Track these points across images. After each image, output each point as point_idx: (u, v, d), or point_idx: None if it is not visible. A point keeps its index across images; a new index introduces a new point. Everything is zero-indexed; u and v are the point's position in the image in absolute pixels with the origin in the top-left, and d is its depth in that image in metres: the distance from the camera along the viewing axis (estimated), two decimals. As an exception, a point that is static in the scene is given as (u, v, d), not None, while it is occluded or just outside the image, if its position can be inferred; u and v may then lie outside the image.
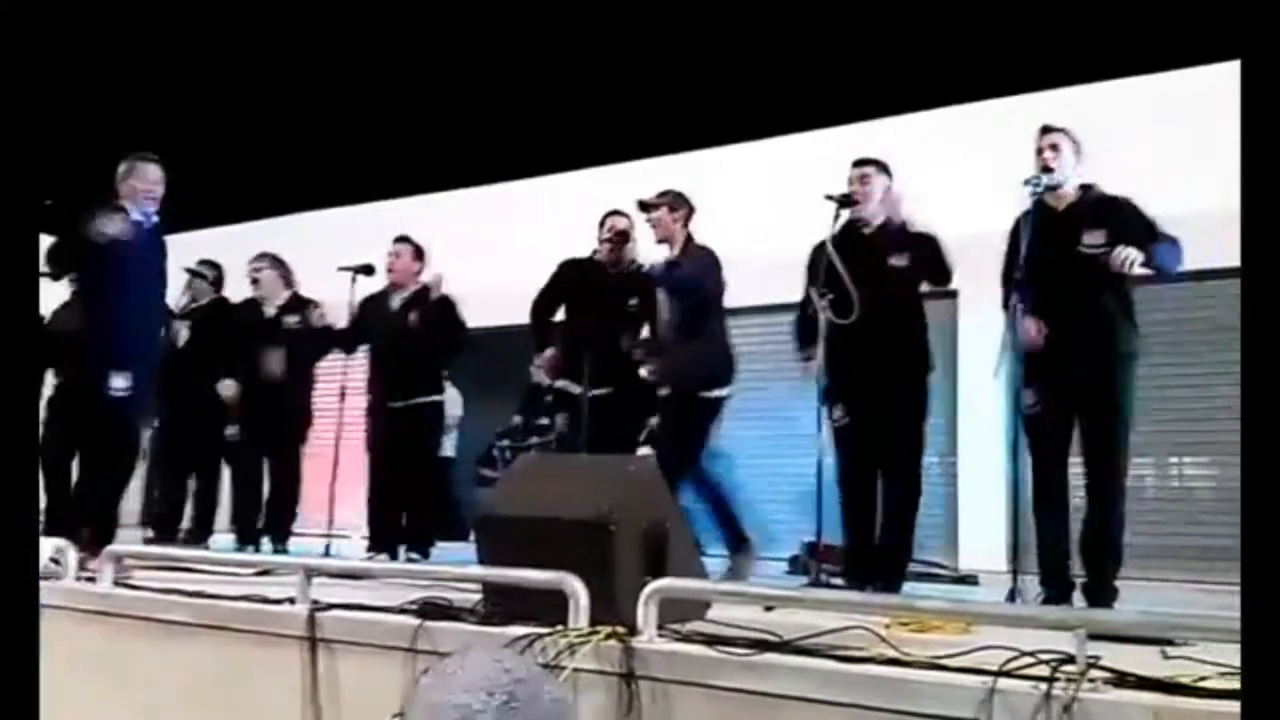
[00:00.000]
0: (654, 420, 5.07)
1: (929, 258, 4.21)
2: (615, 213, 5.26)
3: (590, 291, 5.18)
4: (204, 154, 7.35)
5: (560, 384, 5.36)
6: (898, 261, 4.21)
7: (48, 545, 4.14)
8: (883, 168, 4.39)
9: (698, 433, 4.82)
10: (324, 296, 5.78)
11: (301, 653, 3.08)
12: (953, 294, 5.30)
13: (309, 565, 3.43)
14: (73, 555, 4.01)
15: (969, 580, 5.31)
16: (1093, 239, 3.81)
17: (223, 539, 5.97)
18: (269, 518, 5.79)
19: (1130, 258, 3.67)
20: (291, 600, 3.27)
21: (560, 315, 5.37)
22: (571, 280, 5.31)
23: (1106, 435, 3.83)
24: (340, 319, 5.70)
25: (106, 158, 4.91)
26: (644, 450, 5.06)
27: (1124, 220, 3.82)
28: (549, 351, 5.26)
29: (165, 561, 4.35)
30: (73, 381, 4.78)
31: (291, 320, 5.83)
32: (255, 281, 5.96)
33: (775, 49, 6.57)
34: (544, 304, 5.34)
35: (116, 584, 3.85)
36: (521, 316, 5.42)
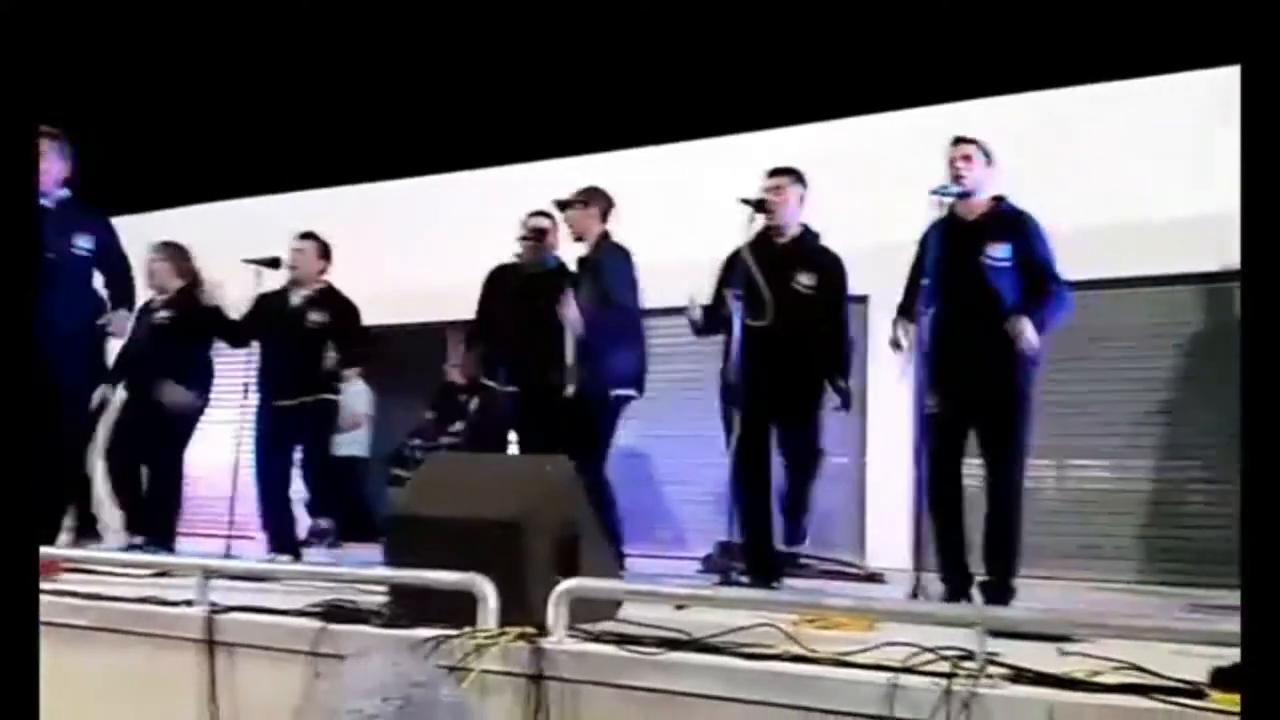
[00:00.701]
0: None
1: (832, 285, 4.31)
2: (538, 213, 5.25)
3: (508, 291, 5.15)
4: (114, 138, 7.08)
5: (480, 382, 5.34)
6: (806, 280, 4.30)
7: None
8: (797, 177, 4.46)
9: (604, 432, 4.83)
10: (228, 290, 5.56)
11: (199, 656, 2.98)
12: (863, 299, 5.40)
13: (207, 566, 3.32)
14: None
15: (876, 578, 5.40)
16: (996, 251, 3.91)
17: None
18: (149, 520, 5.53)
19: (1024, 335, 3.78)
20: (189, 603, 3.17)
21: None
22: (497, 281, 5.32)
23: (1004, 438, 3.95)
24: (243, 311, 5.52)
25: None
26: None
27: (1029, 238, 3.94)
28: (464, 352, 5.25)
29: (65, 563, 4.17)
30: None
31: (163, 315, 5.54)
32: (150, 273, 5.70)
33: (695, 52, 6.61)
34: (482, 309, 5.34)
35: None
36: (433, 314, 5.36)
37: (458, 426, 7.41)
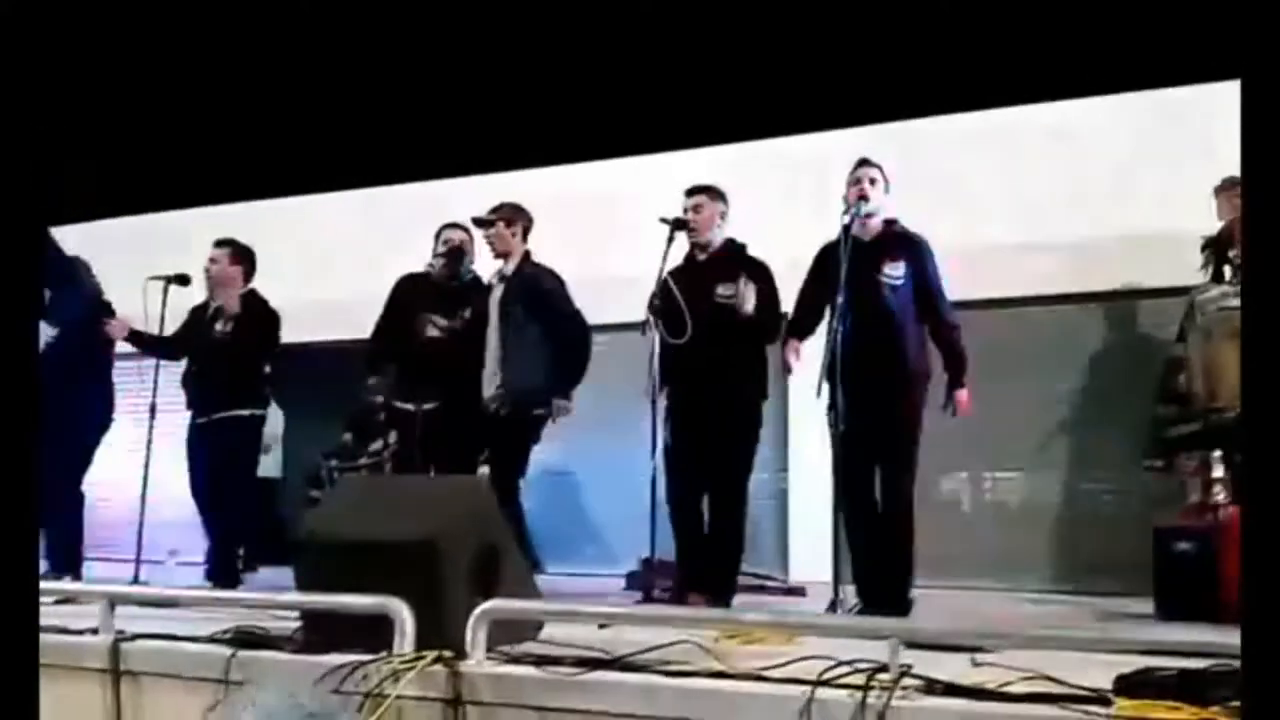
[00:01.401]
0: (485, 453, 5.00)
1: (759, 289, 4.33)
2: (451, 225, 5.19)
3: (426, 306, 5.08)
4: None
5: (395, 402, 5.24)
6: (726, 292, 4.33)
7: None
8: (717, 195, 4.52)
9: (524, 449, 4.80)
10: (133, 307, 5.37)
11: (104, 686, 2.88)
12: (782, 316, 5.49)
13: (113, 593, 3.21)
14: None
15: (797, 592, 5.46)
16: (893, 270, 4.13)
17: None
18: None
19: (961, 404, 4.17)
20: (94, 631, 3.06)
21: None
22: (408, 295, 5.20)
23: (895, 450, 4.09)
24: (148, 330, 5.35)
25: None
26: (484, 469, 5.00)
27: (921, 258, 4.18)
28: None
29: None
30: None
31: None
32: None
33: (619, 71, 6.65)
34: (386, 321, 5.22)
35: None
36: (351, 332, 5.27)
37: (376, 446, 7.30)
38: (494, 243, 4.88)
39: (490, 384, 4.77)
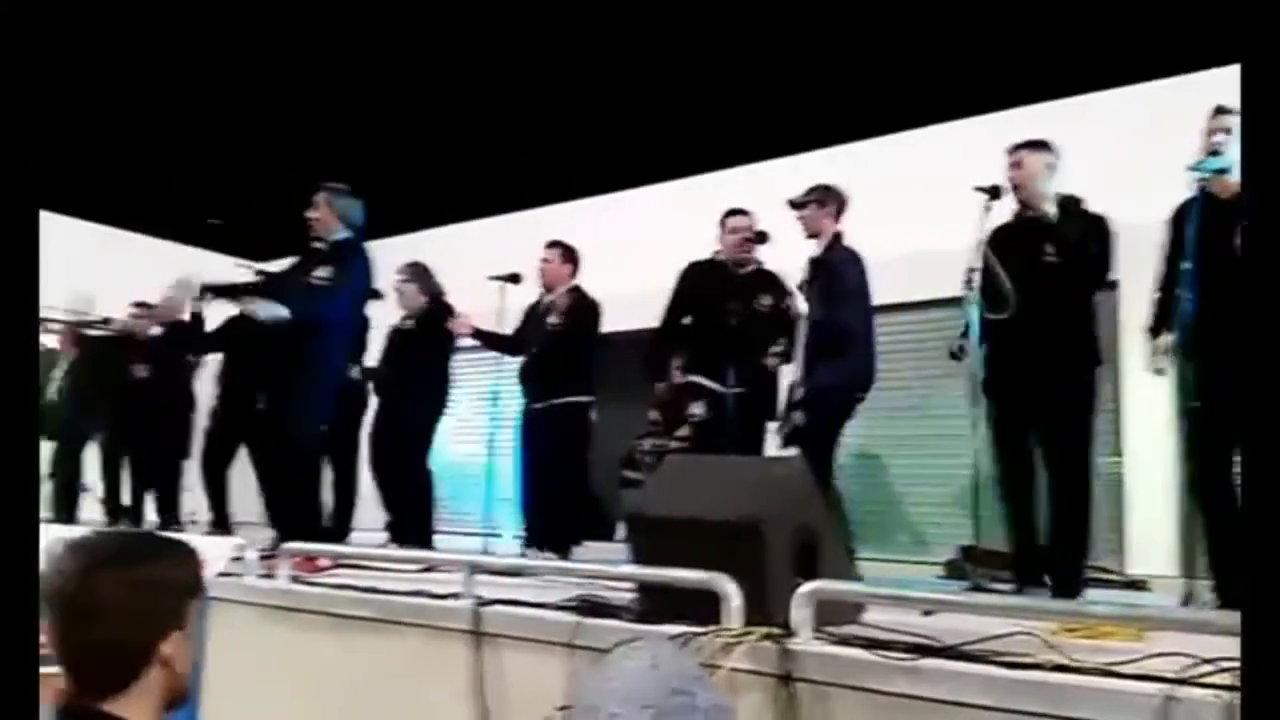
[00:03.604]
0: (797, 416, 5.02)
1: (1088, 250, 4.03)
2: (736, 211, 5.31)
3: (721, 292, 5.21)
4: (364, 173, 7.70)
5: (700, 383, 5.42)
6: (1053, 251, 4.05)
7: (229, 544, 4.45)
8: (1043, 146, 4.23)
9: (834, 428, 4.76)
10: (475, 306, 5.93)
11: (467, 647, 3.20)
12: (1113, 284, 5.04)
13: (473, 562, 3.56)
14: (252, 554, 4.28)
15: (1138, 585, 5.07)
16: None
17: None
18: (407, 518, 5.89)
19: None
20: (456, 596, 3.40)
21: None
22: (700, 282, 5.36)
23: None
24: (491, 327, 5.87)
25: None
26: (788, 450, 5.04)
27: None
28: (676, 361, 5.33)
29: (339, 559, 4.58)
30: None
31: (408, 324, 5.99)
32: (399, 293, 6.16)
33: (915, 42, 6.41)
34: (676, 309, 5.42)
35: (294, 581, 4.08)
36: (652, 320, 5.51)
37: (683, 431, 7.54)
38: (806, 224, 4.89)
39: (798, 366, 4.81)
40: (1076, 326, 4.09)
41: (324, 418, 4.97)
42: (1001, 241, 4.15)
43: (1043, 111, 6.32)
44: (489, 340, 5.88)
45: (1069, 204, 4.15)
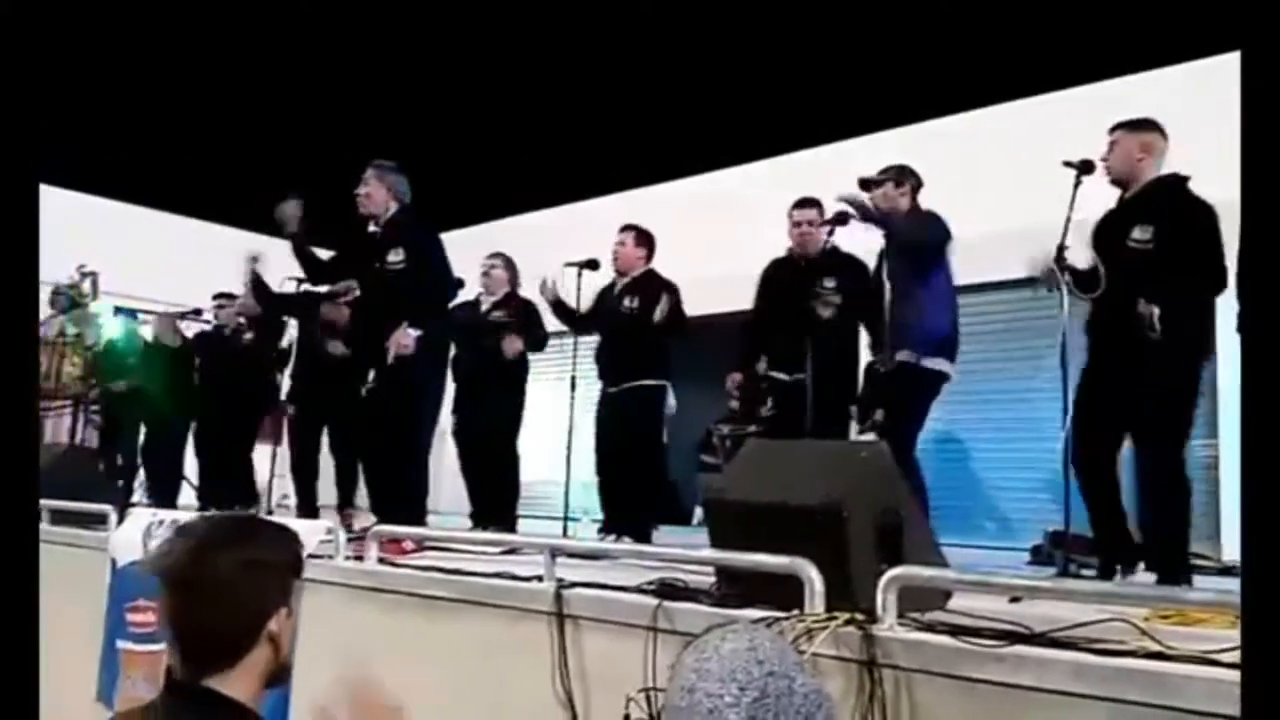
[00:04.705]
0: (879, 414, 4.96)
1: (1183, 236, 3.89)
2: (802, 204, 5.30)
3: (795, 282, 5.22)
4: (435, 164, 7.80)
5: (775, 374, 5.43)
6: (1142, 235, 3.92)
7: (319, 527, 4.57)
8: (1143, 125, 4.09)
9: (918, 408, 4.67)
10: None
11: (549, 628, 3.24)
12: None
13: (554, 545, 3.60)
14: (342, 536, 4.39)
15: (1234, 572, 4.89)
16: None
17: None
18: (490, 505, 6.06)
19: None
20: (539, 578, 3.45)
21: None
22: (776, 275, 5.48)
23: None
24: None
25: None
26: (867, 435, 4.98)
27: None
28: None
29: (426, 542, 4.68)
30: None
31: (498, 315, 6.17)
32: (486, 275, 6.33)
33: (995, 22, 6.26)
34: (759, 305, 5.48)
35: (381, 562, 4.18)
36: (729, 305, 5.52)
37: (764, 412, 7.51)
38: (879, 203, 4.82)
39: (882, 345, 4.75)
40: (1172, 314, 3.89)
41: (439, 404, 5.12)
42: (1100, 224, 4.09)
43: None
44: (562, 311, 5.95)
45: (1166, 186, 4.00)
